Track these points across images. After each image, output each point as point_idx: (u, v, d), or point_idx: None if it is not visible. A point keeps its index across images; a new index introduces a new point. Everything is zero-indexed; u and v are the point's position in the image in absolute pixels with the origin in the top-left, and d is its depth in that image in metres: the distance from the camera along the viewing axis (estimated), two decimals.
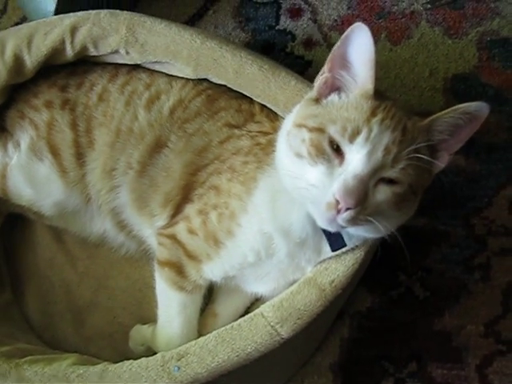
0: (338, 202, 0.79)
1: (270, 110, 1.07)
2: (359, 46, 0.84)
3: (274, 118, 1.06)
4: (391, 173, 0.81)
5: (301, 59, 1.33)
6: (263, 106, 1.08)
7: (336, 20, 1.32)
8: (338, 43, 0.86)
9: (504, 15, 1.30)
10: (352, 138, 0.81)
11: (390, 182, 0.82)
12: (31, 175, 1.10)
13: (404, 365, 1.20)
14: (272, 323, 0.92)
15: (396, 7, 1.31)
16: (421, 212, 1.24)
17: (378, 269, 1.11)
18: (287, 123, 0.92)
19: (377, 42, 1.29)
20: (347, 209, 0.79)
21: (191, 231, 1.01)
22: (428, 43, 1.29)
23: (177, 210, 1.05)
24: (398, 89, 1.29)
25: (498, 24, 1.30)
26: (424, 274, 1.23)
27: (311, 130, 0.85)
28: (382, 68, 1.29)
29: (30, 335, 1.20)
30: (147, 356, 0.98)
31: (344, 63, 0.86)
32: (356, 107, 0.84)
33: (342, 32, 1.28)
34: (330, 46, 1.32)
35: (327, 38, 1.32)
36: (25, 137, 1.11)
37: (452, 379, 1.18)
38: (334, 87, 0.89)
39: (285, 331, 0.92)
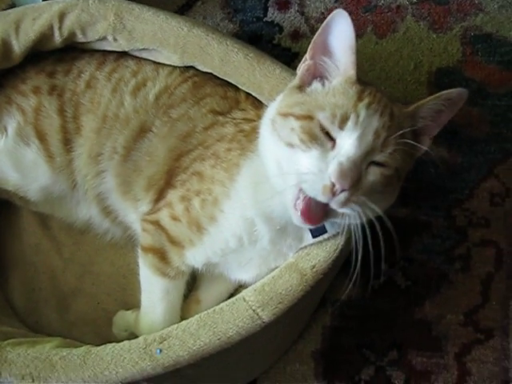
0: (333, 185, 0.81)
1: (255, 98, 1.09)
2: (340, 33, 0.86)
3: (258, 105, 1.08)
4: (380, 157, 0.84)
5: (288, 51, 1.34)
6: (248, 94, 1.10)
7: (323, 13, 1.34)
8: (320, 30, 0.87)
9: (487, 11, 1.32)
10: (342, 124, 0.83)
11: (380, 164, 0.84)
12: (18, 160, 1.11)
13: (385, 353, 1.22)
14: (253, 307, 0.94)
15: (382, 1, 1.33)
16: (403, 202, 1.27)
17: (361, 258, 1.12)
18: (270, 111, 0.94)
19: (363, 35, 1.31)
20: (342, 191, 0.81)
21: (174, 218, 1.02)
22: (413, 37, 1.31)
23: (160, 195, 1.06)
24: (383, 81, 1.31)
25: (481, 20, 1.32)
26: (406, 263, 1.24)
27: (299, 117, 0.86)
28: (367, 61, 1.31)
29: (14, 320, 1.21)
30: None
31: (326, 50, 0.88)
32: (342, 92, 0.86)
33: None
34: None
35: (314, 30, 1.33)
36: (12, 122, 1.12)
37: (431, 367, 1.20)
38: (317, 74, 0.90)
39: (266, 315, 0.93)
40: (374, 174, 0.84)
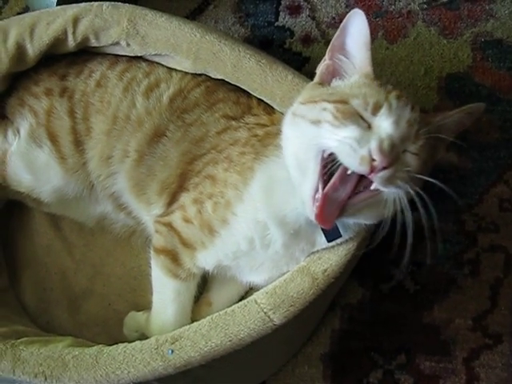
0: (373, 160, 0.81)
1: (267, 104, 1.10)
2: (356, 31, 0.90)
3: (271, 111, 1.09)
4: (413, 147, 0.85)
5: (299, 55, 1.35)
6: (260, 100, 1.10)
7: (334, 18, 1.35)
8: (338, 32, 0.92)
9: (498, 17, 1.33)
10: (375, 111, 0.85)
11: (413, 154, 0.86)
12: (31, 162, 1.12)
13: (393, 357, 1.22)
14: (265, 309, 0.95)
15: (393, 6, 1.34)
16: (413, 207, 1.27)
17: (370, 262, 1.13)
18: (292, 108, 0.95)
19: (374, 41, 1.32)
20: (382, 169, 0.81)
21: (187, 220, 1.03)
22: (424, 42, 1.32)
23: (172, 199, 1.07)
24: (394, 86, 1.31)
25: (492, 26, 1.33)
26: (415, 268, 1.25)
27: (334, 101, 0.87)
28: (378, 66, 1.31)
29: (26, 320, 1.22)
30: None
31: (343, 50, 0.92)
32: (368, 85, 0.88)
33: None
34: (328, 43, 1.30)
35: (325, 35, 1.35)
36: (24, 124, 1.13)
37: (439, 371, 1.21)
38: (335, 73, 0.93)
39: (277, 318, 0.94)
40: (410, 159, 0.85)
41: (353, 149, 0.82)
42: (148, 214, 1.11)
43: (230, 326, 0.95)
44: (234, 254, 1.01)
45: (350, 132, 0.83)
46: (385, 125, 0.84)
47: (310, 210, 0.87)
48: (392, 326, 1.23)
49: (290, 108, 0.96)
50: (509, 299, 1.24)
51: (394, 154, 0.82)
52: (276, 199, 0.95)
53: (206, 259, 1.04)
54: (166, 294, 1.08)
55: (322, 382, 1.22)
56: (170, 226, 1.06)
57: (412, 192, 0.84)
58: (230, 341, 0.94)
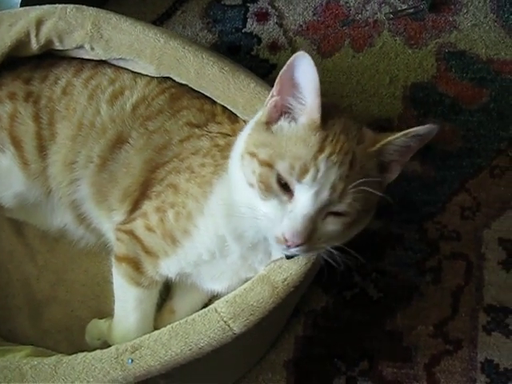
0: (286, 239, 0.82)
1: (231, 111, 1.10)
2: (304, 75, 0.83)
3: (234, 119, 1.08)
4: (338, 207, 0.83)
5: (266, 62, 1.35)
6: (225, 108, 1.10)
7: (301, 25, 1.35)
8: (285, 67, 0.85)
9: (461, 29, 1.35)
10: (300, 178, 0.81)
11: (338, 214, 0.84)
12: None
13: (356, 363, 1.23)
14: (225, 318, 0.94)
15: (360, 15, 1.35)
16: (376, 215, 1.28)
17: (334, 269, 1.13)
18: (239, 144, 0.93)
19: (340, 49, 1.33)
20: (297, 245, 0.82)
21: (149, 228, 1.03)
22: (389, 52, 1.34)
23: (135, 206, 1.07)
24: (359, 95, 1.33)
25: (455, 37, 1.35)
26: (378, 275, 1.26)
27: (261, 163, 0.85)
28: (344, 74, 1.33)
29: None
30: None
31: (292, 88, 0.85)
32: (304, 140, 0.84)
33: (306, 37, 1.35)
34: (295, 50, 1.35)
35: (292, 42, 1.35)
36: None
37: (402, 377, 1.22)
38: (284, 110, 0.87)
39: (237, 326, 0.94)
40: (332, 224, 0.84)
41: (269, 227, 0.85)
42: (109, 221, 1.10)
43: (190, 334, 0.94)
44: (196, 263, 1.01)
45: (269, 208, 0.84)
46: (303, 199, 0.82)
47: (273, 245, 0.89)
48: (355, 333, 1.24)
49: (238, 144, 0.94)
50: (469, 306, 1.26)
51: (307, 232, 0.82)
52: (234, 217, 0.94)
53: (168, 267, 1.03)
54: (128, 302, 1.07)
55: None
56: (131, 233, 1.05)
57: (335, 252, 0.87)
58: (189, 350, 0.94)
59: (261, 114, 0.91)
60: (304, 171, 0.81)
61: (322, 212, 0.83)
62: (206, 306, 1.14)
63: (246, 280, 1.00)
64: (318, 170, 0.81)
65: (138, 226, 1.04)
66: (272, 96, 0.88)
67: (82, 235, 1.19)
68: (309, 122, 0.84)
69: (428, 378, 1.22)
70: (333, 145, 0.83)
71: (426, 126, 0.84)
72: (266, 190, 0.84)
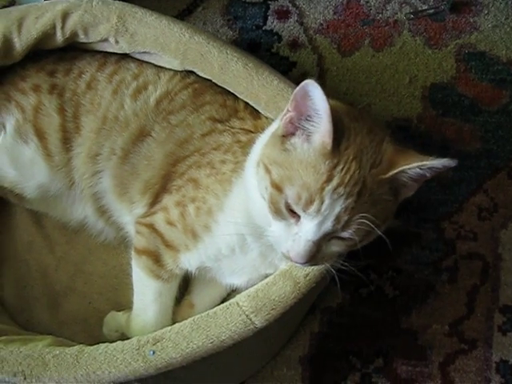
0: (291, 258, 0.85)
1: (254, 107, 1.09)
2: (315, 102, 0.80)
3: (256, 116, 1.09)
4: (343, 234, 0.83)
5: (285, 60, 1.35)
6: (247, 104, 1.10)
7: (322, 24, 1.35)
8: (297, 89, 0.82)
9: (482, 30, 1.34)
10: (305, 208, 0.81)
11: (343, 237, 0.84)
12: (16, 157, 1.11)
13: (370, 360, 1.23)
14: (247, 312, 0.94)
15: (380, 15, 1.34)
16: (395, 214, 1.28)
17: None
18: (256, 151, 0.92)
19: (360, 48, 1.33)
20: (301, 263, 0.85)
21: (169, 222, 1.03)
22: (409, 52, 1.33)
23: (155, 199, 1.07)
24: (378, 94, 1.32)
25: (475, 38, 1.34)
26: (394, 273, 1.26)
27: (272, 184, 0.85)
28: (363, 73, 1.33)
29: (5, 317, 1.20)
30: None
31: (304, 111, 0.83)
32: (314, 166, 0.81)
33: (327, 36, 1.34)
34: (315, 48, 1.35)
35: (312, 40, 1.35)
36: (10, 119, 1.11)
37: (416, 375, 1.22)
38: (299, 126, 0.85)
39: (258, 321, 0.94)
40: (336, 246, 0.86)
41: (276, 242, 0.88)
42: (129, 213, 1.10)
43: (211, 327, 0.94)
44: (216, 257, 1.02)
45: (277, 228, 0.86)
46: (307, 228, 0.82)
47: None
48: (370, 330, 1.24)
49: (255, 150, 0.94)
50: (485, 306, 1.25)
51: (310, 254, 0.83)
52: (253, 216, 0.94)
53: (189, 261, 1.03)
54: (147, 295, 1.07)
55: None
56: (152, 227, 1.05)
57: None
58: (211, 343, 0.94)
59: (277, 128, 0.89)
60: (309, 202, 0.81)
61: (326, 237, 0.84)
62: (224, 300, 1.15)
63: (267, 275, 1.00)
64: (322, 202, 0.80)
65: (159, 219, 1.04)
66: (288, 111, 0.86)
67: (102, 228, 1.19)
68: (320, 146, 0.82)
69: (442, 377, 1.22)
70: (342, 175, 0.81)
71: (444, 160, 0.81)
72: (276, 212, 0.85)
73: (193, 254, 1.02)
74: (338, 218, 0.81)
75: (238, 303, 0.96)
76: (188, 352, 0.93)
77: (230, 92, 1.11)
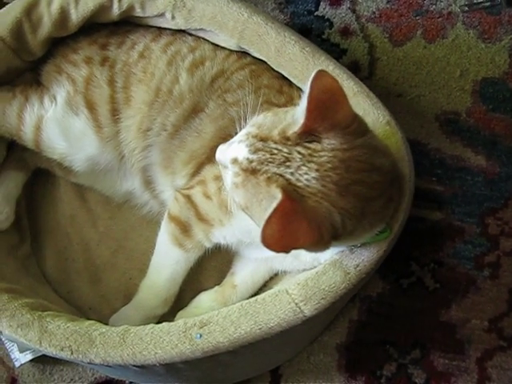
0: None
1: None
2: None
3: None
4: None
5: (336, 47, 1.25)
6: (301, 92, 1.01)
7: (374, 12, 1.24)
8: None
9: None
10: None
11: None
12: (66, 129, 1.02)
13: (408, 351, 1.14)
14: (296, 300, 0.86)
15: (434, 6, 1.23)
16: (439, 207, 1.19)
17: (392, 257, 1.04)
18: None
19: (412, 38, 1.23)
20: None
21: (207, 195, 0.97)
22: (461, 45, 1.22)
23: (197, 169, 1.00)
24: (428, 86, 1.22)
25: None
26: (436, 266, 1.17)
27: None
28: (414, 64, 1.22)
29: (47, 288, 1.13)
30: (158, 322, 0.93)
31: None
32: None
33: (379, 24, 1.24)
34: (366, 36, 1.24)
35: (364, 28, 1.24)
36: (61, 91, 1.04)
37: (452, 369, 1.13)
38: None
39: (308, 309, 0.86)
40: None
41: None
42: (171, 187, 1.04)
43: (260, 314, 0.86)
44: (251, 234, 0.93)
45: None
46: None
47: None
48: (409, 321, 1.16)
49: None
50: None
51: None
52: None
53: (224, 236, 0.98)
54: (165, 259, 1.03)
55: (336, 372, 1.14)
56: (188, 198, 0.99)
57: None
58: (259, 329, 0.86)
59: None
60: None
61: None
62: (266, 283, 1.08)
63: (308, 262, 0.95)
64: None
65: (196, 191, 0.98)
66: None
67: (147, 201, 1.11)
68: None
69: (479, 372, 1.13)
70: None
71: None
72: None
73: (227, 229, 0.96)
74: None
75: (287, 291, 0.88)
76: (236, 337, 0.85)
77: (285, 78, 1.02)
